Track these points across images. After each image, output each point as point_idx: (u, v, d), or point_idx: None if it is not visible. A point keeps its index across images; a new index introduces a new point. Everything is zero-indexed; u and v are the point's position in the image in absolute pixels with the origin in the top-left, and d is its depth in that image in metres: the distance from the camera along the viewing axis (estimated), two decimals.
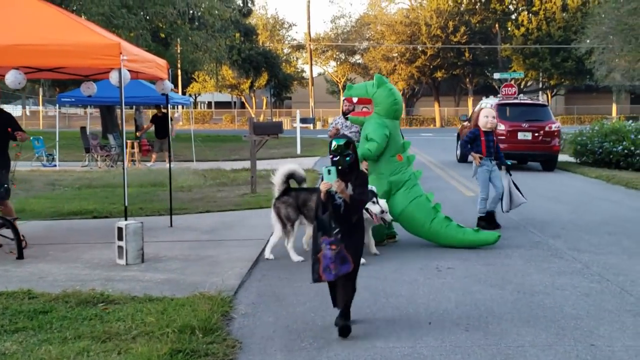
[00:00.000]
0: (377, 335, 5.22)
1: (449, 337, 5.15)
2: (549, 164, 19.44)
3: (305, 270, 7.09)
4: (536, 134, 18.90)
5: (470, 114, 27.11)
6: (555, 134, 19.07)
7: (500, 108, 19.36)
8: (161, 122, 21.48)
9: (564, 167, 19.82)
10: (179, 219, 10.85)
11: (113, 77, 7.85)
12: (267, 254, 7.97)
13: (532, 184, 14.92)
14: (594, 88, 57.24)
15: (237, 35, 35.49)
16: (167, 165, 13.61)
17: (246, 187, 14.44)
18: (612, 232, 9.63)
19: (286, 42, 71.26)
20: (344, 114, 9.83)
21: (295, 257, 7.79)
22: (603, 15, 32.30)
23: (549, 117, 19.74)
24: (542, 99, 70.45)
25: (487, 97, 24.87)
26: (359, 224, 5.33)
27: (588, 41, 35.52)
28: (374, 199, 7.69)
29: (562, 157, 21.24)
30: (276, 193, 8.01)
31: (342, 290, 5.19)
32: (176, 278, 6.96)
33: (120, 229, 7.68)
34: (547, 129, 18.97)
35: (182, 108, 59.94)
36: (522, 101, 21.69)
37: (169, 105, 23.53)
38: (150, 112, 53.82)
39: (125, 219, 7.92)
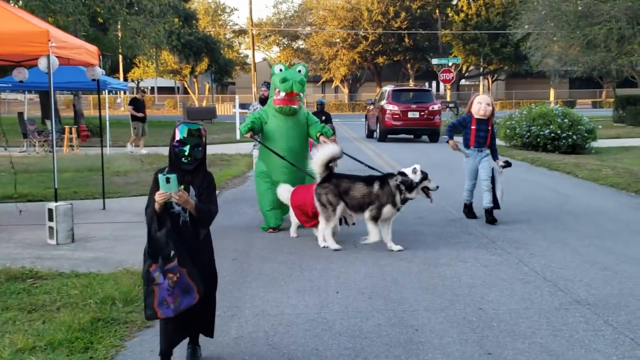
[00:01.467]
0: (287, 304, 5.67)
1: (353, 304, 5.64)
2: (433, 136, 25.05)
3: (231, 249, 7.55)
4: (422, 113, 24.58)
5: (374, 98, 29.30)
6: (437, 112, 24.86)
7: (395, 93, 25.28)
8: (142, 105, 22.11)
9: (515, 156, 20.57)
10: (113, 202, 11.14)
11: (42, 63, 8.09)
12: (328, 242, 7.78)
13: (461, 166, 15.57)
14: (533, 73, 58.85)
15: (177, 20, 35.41)
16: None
17: None
18: (525, 210, 10.24)
19: (228, 27, 71.15)
20: (262, 100, 10.29)
21: (333, 245, 7.68)
22: (537, 2, 33.15)
23: (432, 100, 25.55)
24: (483, 83, 72.15)
25: (396, 84, 29.12)
26: (206, 240, 4.41)
27: (526, 27, 36.27)
28: (429, 178, 7.58)
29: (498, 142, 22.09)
30: (317, 179, 7.94)
31: (200, 322, 4.38)
32: (104, 256, 7.30)
33: (50, 210, 7.97)
34: (430, 109, 24.68)
35: (124, 94, 59.42)
36: (412, 87, 29.43)
37: (106, 91, 23.64)
38: (91, 98, 53.24)
39: (56, 201, 8.20)
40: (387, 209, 7.48)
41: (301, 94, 8.73)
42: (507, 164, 9.32)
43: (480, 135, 9.13)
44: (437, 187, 7.57)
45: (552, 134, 19.69)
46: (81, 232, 8.43)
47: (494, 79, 69.07)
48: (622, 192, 11.90)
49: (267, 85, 11.87)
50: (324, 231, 7.81)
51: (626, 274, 6.54)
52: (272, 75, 8.90)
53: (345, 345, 4.70)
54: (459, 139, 9.50)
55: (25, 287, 5.98)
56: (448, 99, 53.19)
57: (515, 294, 5.91)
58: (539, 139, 19.96)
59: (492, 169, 9.23)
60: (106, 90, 23.45)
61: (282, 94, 8.49)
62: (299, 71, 8.84)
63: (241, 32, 70.82)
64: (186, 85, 64.36)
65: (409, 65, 65.39)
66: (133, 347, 4.72)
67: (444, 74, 38.47)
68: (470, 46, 58.57)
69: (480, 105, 9.12)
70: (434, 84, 69.40)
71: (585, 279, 6.38)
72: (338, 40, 62.25)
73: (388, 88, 26.83)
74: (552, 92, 64.81)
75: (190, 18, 40.57)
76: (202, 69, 50.74)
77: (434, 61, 43.22)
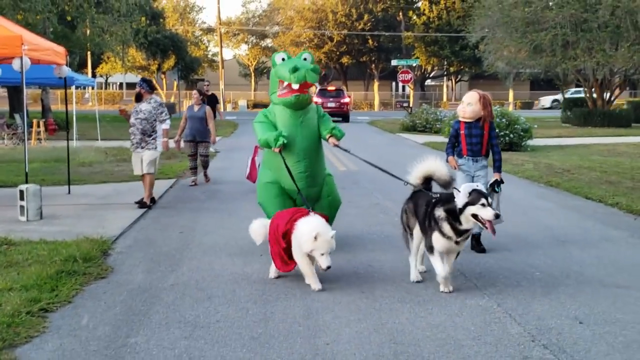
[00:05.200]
0: (218, 263, 6.99)
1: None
2: (345, 118, 38.13)
3: (179, 225, 8.89)
4: (336, 104, 38.25)
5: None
6: (346, 104, 39.79)
7: (320, 91, 39.02)
8: (209, 102, 20.84)
9: (440, 148, 21.99)
10: (78, 188, 12.35)
11: (16, 63, 9.33)
12: (417, 271, 6.40)
13: (405, 161, 16.98)
14: (495, 75, 60.68)
15: (144, 19, 36.49)
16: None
17: None
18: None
19: (197, 25, 72.12)
20: (137, 97, 10.51)
21: (414, 276, 6.33)
22: (489, 8, 34.70)
23: (342, 95, 40.59)
24: (447, 84, 73.95)
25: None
26: None
27: (479, 31, 37.76)
28: (483, 201, 5.65)
29: (439, 139, 23.67)
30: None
31: None
32: (68, 229, 8.53)
33: (21, 191, 9.21)
34: (341, 101, 39.28)
35: (93, 89, 60.17)
36: (330, 88, 42.38)
37: (73, 87, 24.67)
38: (59, 92, 53.89)
39: (26, 183, 9.45)
40: (437, 239, 5.88)
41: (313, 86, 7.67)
42: (495, 189, 7.38)
43: (473, 141, 7.44)
44: (498, 215, 5.65)
45: None
46: (48, 212, 9.65)
47: (457, 80, 70.86)
48: (534, 184, 13.38)
49: (146, 83, 10.78)
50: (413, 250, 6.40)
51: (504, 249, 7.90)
52: (272, 66, 7.61)
53: (256, 288, 6.05)
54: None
55: (2, 251, 7.22)
56: (410, 98, 54.92)
57: (403, 257, 7.26)
58: None
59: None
60: (74, 86, 24.47)
61: (295, 85, 7.14)
62: (305, 59, 7.51)
63: (209, 30, 71.89)
64: (154, 82, 65.33)
65: (373, 66, 66.88)
66: (89, 290, 6.00)
67: (403, 75, 40.01)
68: (431, 48, 60.08)
69: (461, 105, 7.54)
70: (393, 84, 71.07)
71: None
72: (305, 40, 63.56)
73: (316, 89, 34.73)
74: (510, 93, 66.67)
75: (157, 17, 41.64)
76: (169, 66, 51.79)
77: (394, 62, 44.76)
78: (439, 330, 4.92)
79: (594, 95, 34.98)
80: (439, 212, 5.87)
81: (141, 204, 10.40)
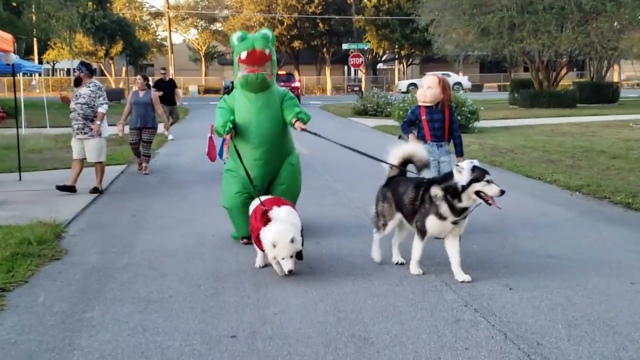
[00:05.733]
0: (171, 244, 7.21)
1: (221, 242, 7.21)
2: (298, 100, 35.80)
3: (132, 209, 9.06)
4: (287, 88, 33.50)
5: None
6: (296, 87, 39.19)
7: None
8: (167, 87, 19.51)
9: (390, 131, 22.37)
10: (29, 175, 12.40)
11: None
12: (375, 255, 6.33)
13: (355, 144, 17.31)
14: (445, 58, 61.40)
15: (90, 4, 36.11)
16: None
17: None
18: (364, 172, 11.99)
19: (145, 9, 71.36)
20: (76, 82, 10.40)
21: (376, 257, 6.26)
22: None
23: (293, 79, 41.92)
24: (398, 68, 74.52)
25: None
26: None
27: (431, 13, 38.20)
28: (488, 177, 5.51)
29: (389, 122, 24.11)
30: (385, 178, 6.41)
31: None
32: (21, 214, 8.63)
33: None
34: (292, 85, 37.48)
35: (40, 76, 59.21)
36: (280, 72, 37.93)
37: (20, 74, 24.39)
38: (5, 80, 52.87)
39: None
40: (432, 222, 5.70)
41: (272, 66, 7.03)
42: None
43: (435, 126, 7.31)
44: (503, 192, 5.48)
45: None
46: (0, 198, 9.72)
47: (409, 63, 71.49)
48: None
49: (85, 67, 10.76)
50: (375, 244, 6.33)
51: None
52: (232, 51, 7.12)
53: (208, 266, 6.29)
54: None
55: None
56: (362, 82, 55.36)
57: (350, 234, 7.56)
58: None
59: None
60: (20, 73, 24.19)
61: (243, 54, 6.74)
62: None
63: (158, 15, 71.23)
64: (102, 68, 64.45)
65: (325, 50, 67.09)
66: (45, 271, 6.17)
67: (354, 59, 40.37)
68: (382, 32, 60.59)
69: (421, 89, 7.40)
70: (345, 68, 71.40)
71: None
72: (255, 24, 63.38)
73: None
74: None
75: (104, 1, 41.21)
76: (117, 52, 51.26)
77: (344, 46, 45.09)
78: (380, 299, 5.22)
79: (540, 77, 35.82)
80: (436, 191, 5.66)
81: (94, 190, 10.48)
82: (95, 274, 6.07)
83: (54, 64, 68.47)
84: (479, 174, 5.50)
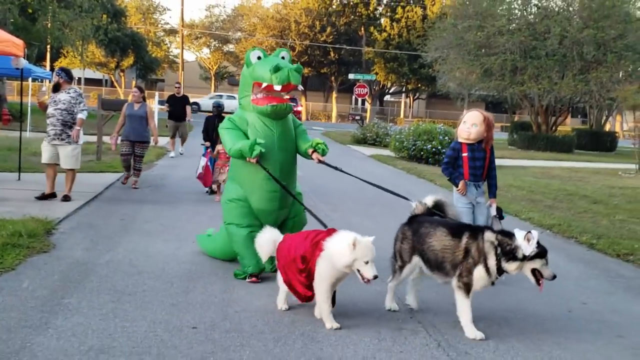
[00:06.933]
0: (153, 247, 7.69)
1: (198, 249, 7.69)
2: None
3: (122, 213, 9.54)
4: None
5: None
6: (297, 111, 39.93)
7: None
8: (178, 103, 18.80)
9: (384, 160, 22.93)
10: (29, 176, 12.87)
11: None
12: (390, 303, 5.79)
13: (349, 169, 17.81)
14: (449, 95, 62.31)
15: (105, 16, 36.96)
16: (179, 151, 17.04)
17: (93, 155, 16.52)
18: (375, 204, 12.44)
19: (160, 25, 72.43)
20: (55, 87, 10.24)
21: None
22: (442, 29, 35.95)
23: (296, 104, 37.50)
24: (405, 101, 75.33)
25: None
26: None
27: (437, 51, 38.91)
28: (546, 258, 5.10)
29: (385, 152, 24.72)
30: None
31: None
32: (16, 210, 9.12)
33: None
34: (294, 109, 38.40)
35: (50, 82, 59.99)
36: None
37: (30, 79, 24.99)
38: (15, 84, 53.71)
39: None
40: (480, 274, 5.16)
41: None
42: (500, 216, 6.89)
43: (477, 165, 6.91)
44: (554, 277, 5.07)
45: (434, 149, 22.22)
46: None
47: (415, 97, 72.31)
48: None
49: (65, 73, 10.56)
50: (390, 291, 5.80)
51: None
52: (246, 66, 6.67)
53: (184, 267, 6.77)
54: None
55: None
56: (367, 113, 56.02)
57: None
58: (422, 153, 22.45)
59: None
60: (30, 78, 24.80)
61: (278, 87, 6.30)
62: (283, 58, 6.69)
63: (172, 32, 72.21)
64: (113, 79, 65.40)
65: (333, 78, 67.91)
66: (31, 261, 6.66)
67: (359, 89, 41.16)
68: (390, 65, 61.35)
69: (464, 126, 6.90)
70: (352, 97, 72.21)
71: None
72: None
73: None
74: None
75: (119, 14, 42.11)
76: (128, 64, 52.17)
77: (350, 76, 45.88)
78: (307, 341, 5.19)
79: (539, 120, 36.41)
80: (493, 239, 5.12)
81: (65, 198, 10.31)
82: (78, 267, 6.55)
83: None
84: (543, 251, 5.04)
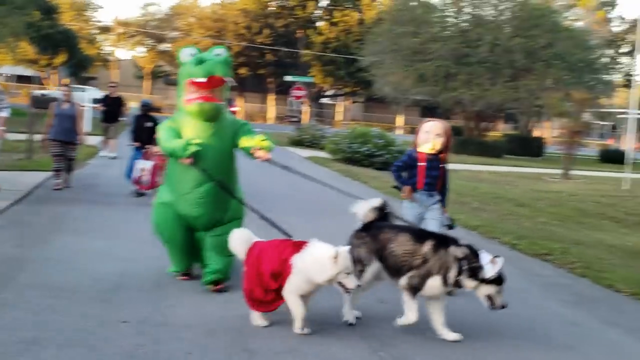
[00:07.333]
0: (90, 246, 7.76)
1: (140, 247, 7.80)
2: None
3: (53, 211, 9.54)
4: None
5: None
6: (233, 112, 42.13)
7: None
8: (113, 105, 18.17)
9: (320, 162, 23.17)
10: None
11: None
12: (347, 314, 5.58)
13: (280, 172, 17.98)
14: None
15: (37, 12, 36.28)
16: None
17: (23, 154, 16.32)
18: (309, 204, 12.66)
19: (92, 22, 71.17)
20: None
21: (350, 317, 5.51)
22: (378, 34, 36.55)
23: (232, 104, 31.38)
24: (344, 104, 75.94)
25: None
26: None
27: (373, 55, 39.46)
28: (503, 285, 5.22)
29: (321, 154, 25.05)
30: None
31: None
32: None
33: None
34: (229, 109, 35.76)
35: None
36: None
37: None
38: None
39: None
40: (434, 283, 5.25)
41: (225, 89, 6.29)
42: (450, 227, 7.12)
43: (432, 174, 6.78)
44: (504, 306, 5.23)
45: (368, 152, 22.62)
46: None
47: (353, 100, 73.02)
48: (395, 198, 14.64)
49: None
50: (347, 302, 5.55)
51: None
52: (180, 67, 6.24)
53: (117, 265, 6.89)
54: None
55: None
56: (303, 115, 56.36)
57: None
58: (357, 155, 22.80)
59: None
60: None
61: (202, 79, 5.92)
62: (218, 55, 6.20)
63: (105, 29, 71.06)
64: (42, 76, 64.08)
65: (270, 80, 68.01)
66: None
67: (296, 91, 41.41)
68: (328, 68, 61.85)
69: (427, 135, 6.74)
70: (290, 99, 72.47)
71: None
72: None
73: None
74: (398, 118, 69.43)
75: (51, 11, 41.33)
76: (60, 62, 51.27)
77: (287, 78, 46.09)
78: (236, 335, 5.18)
79: (471, 125, 37.37)
80: (458, 253, 5.18)
81: None
82: (10, 263, 6.61)
83: None
84: (503, 279, 5.13)
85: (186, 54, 6.13)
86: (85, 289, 5.91)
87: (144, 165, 11.62)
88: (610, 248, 10.62)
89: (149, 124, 12.21)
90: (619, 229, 13.30)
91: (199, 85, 5.95)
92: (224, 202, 6.25)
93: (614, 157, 39.13)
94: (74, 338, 4.72)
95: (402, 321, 5.34)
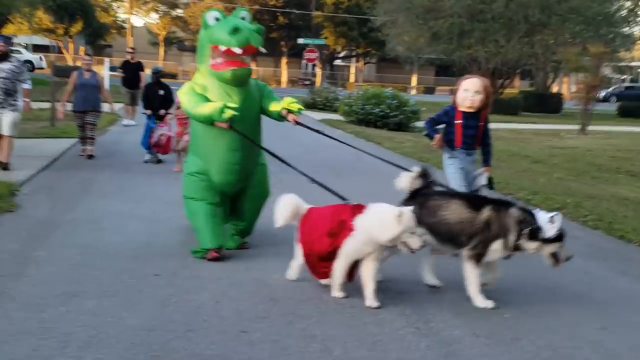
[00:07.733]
0: (114, 206, 8.08)
1: (158, 208, 8.11)
2: None
3: (80, 176, 9.88)
4: None
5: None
6: None
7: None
8: (133, 70, 18.29)
9: (333, 124, 23.33)
10: None
11: None
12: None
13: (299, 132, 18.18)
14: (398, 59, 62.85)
15: None
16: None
17: (47, 122, 16.64)
18: (324, 165, 12.87)
19: None
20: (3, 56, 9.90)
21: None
22: None
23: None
24: (356, 66, 75.72)
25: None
26: None
27: (386, 14, 39.15)
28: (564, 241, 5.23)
29: (334, 116, 25.18)
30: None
31: None
32: None
33: None
34: None
35: None
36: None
37: None
38: None
39: None
40: (496, 247, 5.23)
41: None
42: (490, 186, 6.90)
43: (469, 133, 6.61)
44: (571, 256, 5.28)
45: (382, 113, 22.73)
46: None
47: (366, 62, 72.72)
48: (408, 158, 14.85)
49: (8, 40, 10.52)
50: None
51: None
52: (203, 29, 6.08)
53: (144, 224, 7.23)
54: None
55: None
56: (317, 77, 56.37)
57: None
58: (370, 116, 22.90)
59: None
60: None
61: (238, 50, 5.78)
62: (243, 18, 6.06)
63: None
64: (61, 45, 64.36)
65: (283, 43, 67.84)
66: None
67: (308, 54, 41.44)
68: (340, 29, 61.55)
69: (466, 94, 6.49)
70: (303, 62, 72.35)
71: None
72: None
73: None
74: (414, 78, 69.10)
75: None
76: (77, 31, 51.49)
77: (300, 40, 46.01)
78: (261, 285, 5.45)
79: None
80: (518, 215, 5.19)
81: (4, 166, 10.01)
82: (43, 224, 6.96)
83: (11, 39, 67.77)
84: (564, 235, 5.14)
85: (211, 17, 5.98)
86: (116, 247, 6.24)
87: (162, 131, 11.85)
88: (623, 201, 10.80)
89: (161, 92, 12.38)
90: (634, 182, 13.45)
91: (234, 54, 5.83)
92: (252, 166, 6.36)
93: (633, 112, 38.85)
94: (111, 290, 5.05)
95: (481, 303, 5.24)
